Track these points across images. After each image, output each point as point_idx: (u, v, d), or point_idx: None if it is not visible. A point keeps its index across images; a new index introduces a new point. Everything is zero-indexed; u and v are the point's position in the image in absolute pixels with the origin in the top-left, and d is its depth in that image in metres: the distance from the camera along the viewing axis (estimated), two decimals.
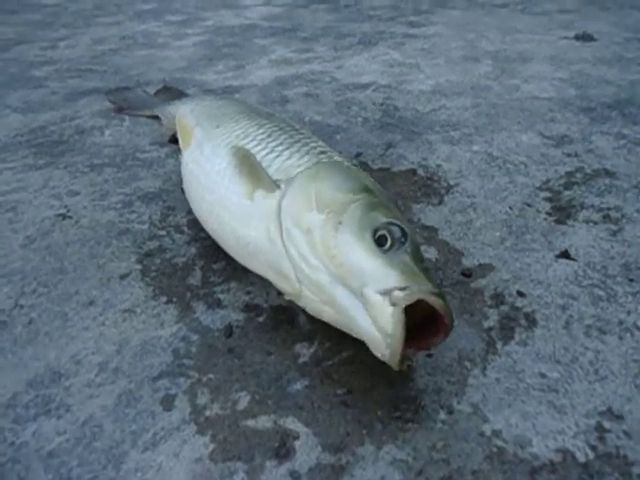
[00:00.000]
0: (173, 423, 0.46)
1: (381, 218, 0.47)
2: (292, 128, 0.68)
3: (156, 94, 1.11)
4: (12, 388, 0.50)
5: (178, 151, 0.80)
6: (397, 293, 0.43)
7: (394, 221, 0.47)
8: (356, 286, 0.45)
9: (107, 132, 0.99)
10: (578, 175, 0.81)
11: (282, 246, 0.51)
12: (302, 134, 0.66)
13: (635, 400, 0.47)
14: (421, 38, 1.49)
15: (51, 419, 0.47)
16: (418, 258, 0.47)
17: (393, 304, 0.43)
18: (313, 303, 0.49)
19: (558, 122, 0.98)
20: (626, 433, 0.44)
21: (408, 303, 0.43)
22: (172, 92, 1.12)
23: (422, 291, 0.43)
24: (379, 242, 0.46)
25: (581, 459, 0.43)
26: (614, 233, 0.68)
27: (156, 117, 1.00)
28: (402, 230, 0.47)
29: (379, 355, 0.44)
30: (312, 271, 0.48)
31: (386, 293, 0.43)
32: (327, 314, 0.49)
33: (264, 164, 0.58)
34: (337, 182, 0.51)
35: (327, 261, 0.46)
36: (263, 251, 0.53)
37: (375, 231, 0.46)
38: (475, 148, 0.90)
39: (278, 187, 0.54)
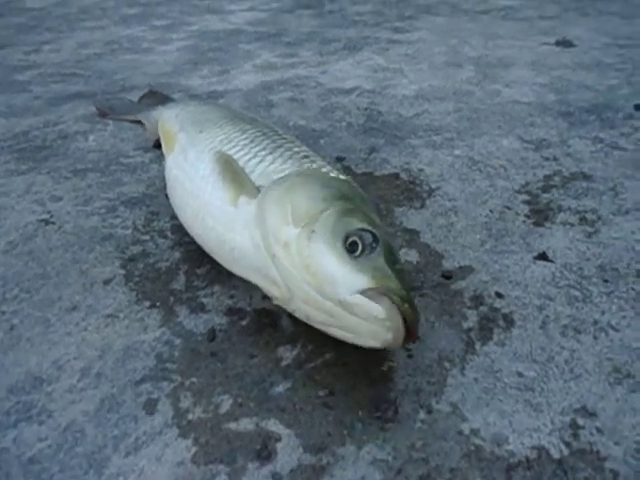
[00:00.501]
0: (155, 427, 0.46)
1: (352, 224, 0.48)
2: (275, 133, 0.69)
3: (141, 99, 1.11)
4: None
5: (162, 156, 0.80)
6: (369, 292, 0.45)
7: (365, 227, 0.48)
8: (331, 293, 0.45)
9: (91, 137, 0.98)
10: (556, 178, 0.83)
11: (265, 251, 0.52)
12: (285, 139, 0.66)
13: (608, 397, 0.49)
14: (405, 44, 1.51)
15: (32, 425, 0.47)
16: (391, 261, 0.47)
17: (370, 297, 0.45)
18: (303, 307, 0.50)
19: (538, 126, 1.00)
20: (599, 430, 0.46)
21: (380, 294, 0.44)
22: (157, 97, 1.12)
23: (389, 290, 0.44)
24: (350, 249, 0.47)
25: (556, 455, 0.44)
26: (590, 235, 0.70)
27: (140, 122, 1.00)
28: (373, 235, 0.48)
29: (382, 344, 0.45)
30: (296, 281, 0.48)
31: (360, 293, 0.45)
32: (317, 318, 0.49)
33: (247, 169, 0.59)
34: (311, 192, 0.52)
35: (303, 272, 0.47)
36: (248, 256, 0.54)
37: (346, 238, 0.47)
38: (457, 152, 0.91)
39: (260, 192, 0.55)
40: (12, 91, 1.22)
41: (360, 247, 0.47)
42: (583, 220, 0.73)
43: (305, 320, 0.51)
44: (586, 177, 0.83)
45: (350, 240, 0.47)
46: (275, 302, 0.53)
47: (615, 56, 1.36)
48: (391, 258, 0.48)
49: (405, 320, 0.44)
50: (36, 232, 0.72)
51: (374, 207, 0.61)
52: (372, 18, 1.81)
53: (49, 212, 0.76)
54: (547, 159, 0.89)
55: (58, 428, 0.47)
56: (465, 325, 0.57)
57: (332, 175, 0.58)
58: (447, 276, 0.63)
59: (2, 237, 0.71)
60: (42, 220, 0.74)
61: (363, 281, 0.45)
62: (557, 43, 1.46)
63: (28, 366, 0.52)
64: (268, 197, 0.53)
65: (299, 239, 0.48)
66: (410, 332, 0.45)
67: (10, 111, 1.10)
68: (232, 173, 0.58)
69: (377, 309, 0.44)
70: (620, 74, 1.24)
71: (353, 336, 0.47)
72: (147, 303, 0.60)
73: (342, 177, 0.59)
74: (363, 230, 0.48)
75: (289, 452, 0.44)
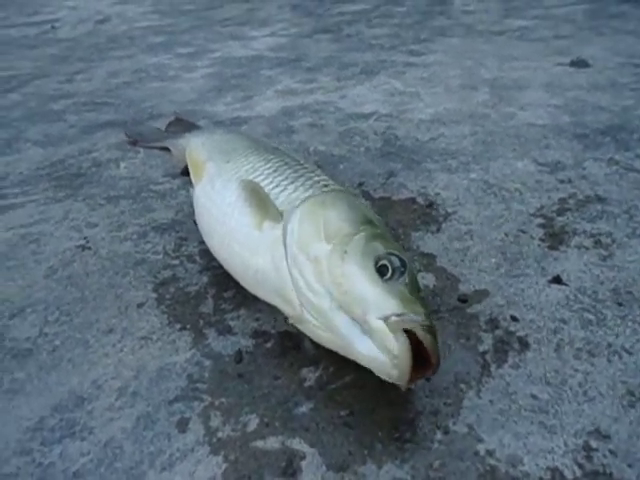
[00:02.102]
0: (188, 444, 0.50)
1: (382, 248, 0.51)
2: (297, 162, 0.72)
3: (168, 126, 1.17)
4: (39, 412, 0.53)
5: (189, 183, 0.85)
6: (393, 318, 0.47)
7: (394, 252, 0.51)
8: (359, 313, 0.48)
9: (122, 165, 1.04)
10: (571, 201, 0.85)
11: (287, 272, 0.55)
12: (306, 168, 0.70)
13: (622, 420, 0.50)
14: (421, 67, 1.55)
15: (75, 441, 0.51)
16: (415, 287, 0.50)
17: (392, 329, 0.46)
18: (314, 328, 0.53)
19: (553, 149, 1.02)
20: (612, 452, 0.47)
21: (404, 327, 0.46)
22: (183, 124, 1.18)
23: (414, 321, 0.46)
24: (380, 271, 0.50)
25: (569, 477, 0.46)
26: (604, 258, 0.72)
27: (167, 149, 1.06)
28: (401, 260, 0.51)
29: (384, 376, 0.47)
30: (315, 297, 0.51)
31: (386, 319, 0.47)
32: (326, 339, 0.52)
33: (271, 197, 0.63)
34: (342, 213, 0.55)
35: (333, 288, 0.50)
36: (269, 278, 0.57)
37: (377, 261, 0.50)
38: (472, 176, 0.94)
39: (283, 217, 0.59)
40: (48, 120, 1.29)
41: (390, 271, 0.50)
42: (598, 243, 0.75)
43: (317, 340, 0.54)
44: (601, 200, 0.85)
45: (380, 263, 0.50)
46: (290, 321, 0.57)
47: (630, 75, 1.37)
48: (415, 285, 0.51)
49: (426, 350, 0.46)
50: (74, 257, 0.77)
51: (391, 233, 0.64)
52: (388, 41, 1.85)
53: (85, 238, 0.81)
54: (562, 182, 0.91)
55: (99, 444, 0.50)
56: (481, 348, 0.59)
57: (357, 200, 0.62)
58: (463, 300, 0.66)
59: (43, 262, 0.76)
60: (79, 246, 0.79)
61: (392, 304, 0.48)
62: (572, 63, 1.48)
63: (70, 385, 0.56)
64: (299, 211, 0.57)
65: (331, 257, 0.51)
66: (430, 362, 0.47)
67: (47, 140, 1.17)
68: (258, 199, 0.62)
69: (392, 343, 0.46)
70: (635, 94, 1.25)
71: (358, 360, 0.50)
72: (178, 326, 0.64)
73: (361, 202, 0.62)
74: (392, 254, 0.51)
75: (313, 470, 0.47)
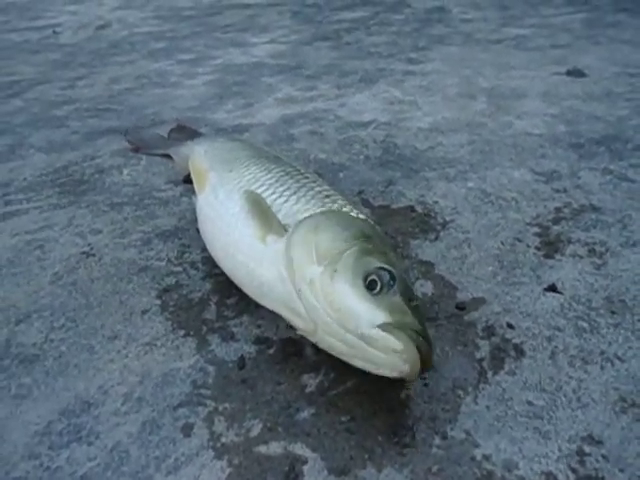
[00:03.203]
0: (193, 449, 0.51)
1: (371, 264, 0.53)
2: (298, 172, 0.74)
3: (170, 133, 1.18)
4: (47, 417, 0.55)
5: (192, 190, 0.86)
6: (386, 326, 0.49)
7: (384, 266, 0.53)
8: (352, 328, 0.50)
9: (125, 171, 1.05)
10: (566, 210, 0.87)
11: (292, 286, 0.56)
12: (307, 178, 0.72)
13: (614, 426, 0.52)
14: (419, 75, 1.57)
15: (82, 445, 0.52)
16: (407, 298, 0.52)
17: (386, 330, 0.49)
18: (327, 338, 0.54)
19: (549, 158, 1.04)
20: (604, 457, 0.49)
21: (397, 328, 0.49)
22: (185, 131, 1.20)
23: (405, 325, 0.49)
24: (370, 286, 0.51)
25: None
26: (599, 267, 0.73)
27: (170, 156, 1.07)
28: (390, 274, 0.52)
29: (399, 375, 0.49)
30: (320, 315, 0.53)
31: (378, 327, 0.49)
32: (340, 349, 0.53)
33: (274, 208, 0.64)
34: (334, 233, 0.57)
35: (327, 307, 0.52)
36: (276, 291, 0.59)
37: (366, 276, 0.52)
38: (470, 185, 0.96)
39: (287, 231, 0.60)
40: (51, 126, 1.31)
41: (379, 285, 0.51)
42: (592, 252, 0.77)
43: (328, 350, 0.55)
44: (595, 209, 0.87)
45: (370, 279, 0.52)
46: (299, 332, 0.58)
47: (625, 85, 1.40)
48: (407, 294, 0.52)
49: (420, 352, 0.48)
50: (78, 264, 0.78)
51: (390, 243, 0.65)
52: (387, 49, 1.88)
53: (90, 245, 0.82)
54: (557, 191, 0.93)
55: (105, 449, 0.52)
56: (478, 355, 0.60)
57: (353, 215, 0.63)
58: (461, 307, 0.67)
59: (48, 269, 0.77)
60: (84, 252, 0.80)
61: (381, 316, 0.50)
62: (568, 73, 1.50)
63: (76, 391, 0.58)
64: (294, 237, 0.58)
65: (322, 277, 0.53)
66: (425, 360, 0.49)
67: (50, 146, 1.19)
68: (260, 212, 0.64)
69: (394, 342, 0.48)
70: (630, 104, 1.28)
71: (373, 366, 0.51)
72: (182, 332, 0.65)
73: (362, 216, 0.64)
74: (381, 269, 0.52)
75: (315, 474, 0.48)
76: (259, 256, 0.60)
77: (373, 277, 0.52)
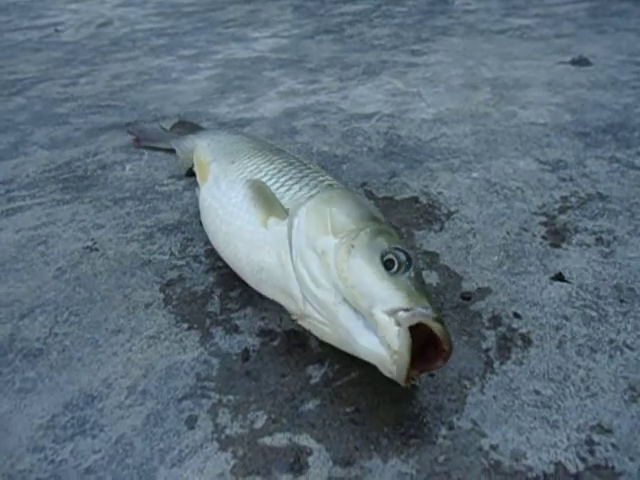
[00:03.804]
0: (197, 441, 0.51)
1: (388, 243, 0.52)
2: (301, 163, 0.73)
3: (172, 129, 1.18)
4: (51, 410, 0.55)
5: (194, 184, 0.86)
6: (402, 314, 0.47)
7: (400, 246, 0.52)
8: (365, 306, 0.49)
9: (128, 166, 1.05)
10: (573, 199, 0.86)
11: (291, 268, 0.56)
12: (310, 168, 0.71)
13: (623, 414, 0.51)
14: (422, 66, 1.56)
15: (87, 438, 0.52)
16: (420, 282, 0.51)
17: (398, 324, 0.47)
18: (317, 324, 0.54)
19: (554, 147, 1.03)
20: (614, 446, 0.48)
21: (411, 324, 0.47)
22: (187, 126, 1.19)
23: (424, 315, 0.47)
24: (387, 265, 0.50)
25: (572, 470, 0.46)
26: (606, 255, 0.72)
27: (172, 150, 1.07)
28: (407, 255, 0.51)
29: (386, 372, 0.48)
30: (320, 291, 0.52)
31: (392, 313, 0.47)
32: (329, 335, 0.53)
33: (277, 196, 0.64)
34: (349, 209, 0.57)
35: (339, 282, 0.51)
36: (274, 275, 0.58)
37: (383, 255, 0.51)
38: (474, 175, 0.95)
39: (289, 215, 0.60)
40: (53, 123, 1.31)
41: (396, 265, 0.50)
42: (599, 241, 0.75)
43: (320, 337, 0.55)
44: (602, 198, 0.85)
45: (387, 257, 0.51)
46: (293, 317, 0.57)
47: (631, 73, 1.38)
48: (420, 279, 0.52)
49: (438, 339, 0.47)
50: (82, 259, 0.78)
51: (397, 230, 0.64)
52: (390, 41, 1.86)
53: (93, 239, 0.82)
54: (563, 180, 0.91)
55: (110, 441, 0.51)
56: (484, 345, 0.59)
57: (362, 198, 0.63)
58: (466, 297, 0.66)
59: (52, 264, 0.77)
60: (87, 247, 0.80)
61: (399, 298, 0.48)
62: (573, 62, 1.48)
63: (80, 384, 0.58)
64: (306, 207, 0.58)
65: (338, 251, 0.52)
66: (443, 350, 0.47)
67: (52, 143, 1.19)
68: (264, 197, 0.63)
69: (394, 339, 0.46)
70: (636, 92, 1.26)
71: (357, 355, 0.50)
72: (185, 325, 0.65)
73: (366, 200, 0.63)
74: (398, 249, 0.52)
75: (320, 465, 0.48)
76: (260, 240, 0.60)
77: (390, 256, 0.51)
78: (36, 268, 0.76)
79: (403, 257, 0.51)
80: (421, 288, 0.50)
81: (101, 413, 0.54)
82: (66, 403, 0.55)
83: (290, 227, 0.57)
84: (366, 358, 0.50)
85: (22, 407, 0.55)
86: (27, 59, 1.95)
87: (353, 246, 0.52)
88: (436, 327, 0.47)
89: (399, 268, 0.50)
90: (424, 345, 0.49)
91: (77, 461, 0.50)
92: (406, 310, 0.47)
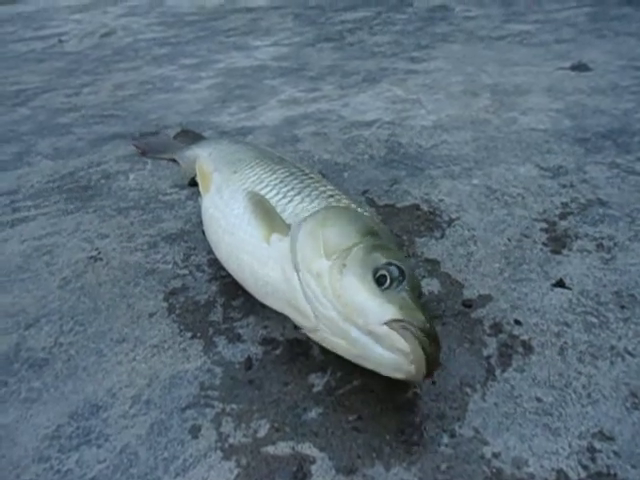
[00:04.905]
0: (201, 450, 0.51)
1: (381, 259, 0.53)
2: (302, 172, 0.74)
3: (175, 137, 1.19)
4: (56, 420, 0.55)
5: (197, 193, 0.87)
6: (394, 324, 0.48)
7: (393, 261, 0.53)
8: (361, 323, 0.50)
9: (131, 176, 1.06)
10: (573, 205, 0.86)
11: (298, 285, 0.56)
12: (312, 178, 0.72)
13: (625, 421, 0.51)
14: (422, 73, 1.57)
15: (92, 448, 0.52)
16: (416, 295, 0.52)
17: (394, 329, 0.48)
18: (329, 337, 0.54)
19: (554, 153, 1.03)
20: (616, 453, 0.48)
21: (407, 327, 0.48)
22: (189, 135, 1.20)
23: (413, 325, 0.48)
24: (379, 281, 0.51)
25: (574, 478, 0.47)
26: (607, 261, 0.73)
27: (175, 160, 1.08)
28: (400, 270, 0.52)
29: (404, 375, 0.49)
30: (325, 310, 0.53)
31: (387, 324, 0.49)
32: (342, 348, 0.53)
33: (278, 209, 0.64)
34: (342, 227, 0.57)
35: (335, 301, 0.52)
36: (280, 290, 0.59)
37: (375, 271, 0.52)
38: (475, 182, 0.95)
39: (290, 230, 0.60)
40: (57, 134, 1.32)
41: (388, 280, 0.51)
42: (600, 247, 0.76)
43: (331, 349, 0.55)
44: (602, 203, 0.86)
45: (379, 274, 0.51)
46: (303, 332, 0.58)
47: (631, 78, 1.38)
48: (416, 291, 0.52)
49: (427, 353, 0.48)
50: (86, 268, 0.79)
51: (396, 240, 0.65)
52: (390, 49, 1.87)
53: (97, 249, 0.83)
54: (564, 186, 0.92)
55: (114, 451, 0.52)
56: (485, 352, 0.60)
57: (359, 211, 0.63)
58: (467, 305, 0.67)
59: (56, 274, 0.78)
60: (91, 257, 0.81)
61: (391, 312, 0.49)
62: (572, 67, 1.49)
63: (85, 394, 0.58)
64: (302, 230, 0.58)
65: (331, 271, 0.53)
66: (431, 365, 0.48)
67: (56, 153, 1.20)
68: (264, 212, 0.64)
69: (402, 343, 0.48)
70: (636, 97, 1.26)
71: (375, 366, 0.51)
72: (189, 334, 0.65)
73: (366, 213, 0.64)
74: (390, 264, 0.52)
75: (323, 474, 0.48)
76: (263, 256, 0.61)
77: (383, 272, 0.51)
78: (41, 278, 0.77)
79: (396, 272, 0.52)
80: (416, 302, 0.51)
81: (106, 423, 0.55)
82: (71, 413, 0.56)
83: (293, 245, 0.58)
84: (382, 369, 0.50)
85: (28, 417, 0.56)
86: (31, 70, 1.97)
87: (345, 265, 0.53)
88: (423, 340, 0.48)
89: (391, 283, 0.51)
90: None
91: (82, 471, 0.50)
92: (397, 321, 0.49)
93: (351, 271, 0.52)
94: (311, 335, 0.57)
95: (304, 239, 0.57)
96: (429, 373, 0.49)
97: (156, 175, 1.06)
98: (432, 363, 0.48)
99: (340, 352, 0.54)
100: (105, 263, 0.79)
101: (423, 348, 0.47)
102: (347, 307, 0.51)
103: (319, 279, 0.53)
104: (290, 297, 0.57)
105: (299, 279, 0.56)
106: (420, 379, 0.49)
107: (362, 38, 2.06)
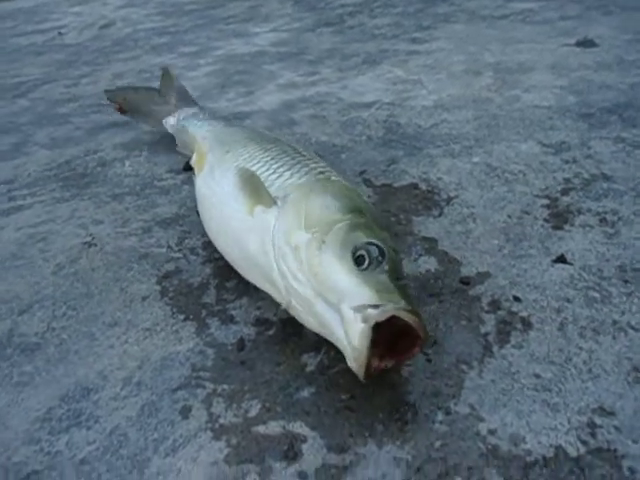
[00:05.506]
0: (191, 431, 0.50)
1: (361, 238, 0.51)
2: (295, 151, 0.72)
3: (160, 92, 1.14)
4: (47, 403, 0.55)
5: (192, 178, 0.85)
6: (370, 311, 0.46)
7: (373, 241, 0.51)
8: (334, 302, 0.48)
9: (127, 163, 1.05)
10: (576, 181, 0.83)
11: (273, 257, 0.55)
12: (304, 156, 0.70)
13: (627, 396, 0.49)
14: (424, 54, 1.53)
15: (82, 430, 0.52)
16: (395, 276, 0.50)
17: (364, 321, 0.45)
18: (300, 313, 0.53)
19: (557, 129, 1.00)
20: (617, 428, 0.47)
21: (378, 320, 0.45)
22: (174, 88, 1.14)
23: (393, 308, 0.46)
24: (358, 261, 0.49)
25: (573, 454, 0.45)
26: (610, 236, 0.70)
27: (168, 133, 1.05)
28: (380, 249, 0.50)
29: (349, 364, 0.47)
30: (298, 285, 0.51)
31: (359, 310, 0.46)
32: (311, 324, 0.52)
33: (266, 184, 0.63)
34: (326, 202, 0.55)
35: (311, 277, 0.50)
36: (258, 263, 0.58)
37: (355, 251, 0.50)
38: (475, 160, 0.93)
39: (276, 203, 0.59)
40: (55, 123, 1.31)
41: (367, 261, 0.49)
42: (603, 221, 0.73)
43: (306, 326, 0.54)
44: (607, 178, 0.83)
45: (358, 253, 0.50)
46: (283, 307, 0.56)
47: (637, 53, 1.34)
48: (396, 273, 0.50)
49: (412, 327, 0.46)
50: (80, 254, 0.78)
51: (383, 220, 0.63)
52: (391, 30, 1.84)
53: (91, 235, 0.82)
54: (567, 162, 0.89)
55: (104, 432, 0.51)
56: (483, 329, 0.58)
57: (347, 187, 0.62)
58: (465, 282, 0.65)
59: (50, 260, 0.77)
60: (85, 243, 0.80)
61: (367, 295, 0.47)
62: (578, 43, 1.45)
63: (76, 377, 0.58)
64: (287, 200, 0.57)
65: (309, 246, 0.52)
66: (417, 337, 0.46)
67: (54, 142, 1.19)
68: (252, 186, 0.62)
69: (355, 336, 0.45)
70: None
71: (342, 349, 0.49)
72: (181, 317, 0.64)
73: (356, 191, 0.62)
74: (371, 244, 0.50)
75: (314, 452, 0.47)
76: (247, 228, 0.60)
77: (362, 252, 0.50)
78: (35, 265, 0.77)
79: (375, 252, 0.50)
80: (395, 283, 0.49)
81: (96, 405, 0.54)
82: (62, 396, 0.55)
83: (276, 217, 0.56)
84: (341, 349, 0.49)
85: (19, 400, 0.55)
86: (31, 62, 1.96)
87: (324, 242, 0.51)
88: (405, 315, 0.45)
89: (370, 263, 0.49)
90: (401, 335, 0.47)
91: (72, 452, 0.50)
92: (374, 307, 0.46)
93: (330, 248, 0.50)
94: (289, 310, 0.55)
95: (287, 209, 0.55)
96: (367, 377, 0.47)
97: (152, 161, 1.05)
98: (418, 332, 0.46)
99: (312, 328, 0.53)
100: (99, 249, 0.79)
101: (404, 317, 0.45)
102: (322, 285, 0.49)
103: (296, 252, 0.52)
104: (266, 271, 0.56)
105: (274, 252, 0.54)
106: (362, 377, 0.47)
107: (362, 21, 2.03)
